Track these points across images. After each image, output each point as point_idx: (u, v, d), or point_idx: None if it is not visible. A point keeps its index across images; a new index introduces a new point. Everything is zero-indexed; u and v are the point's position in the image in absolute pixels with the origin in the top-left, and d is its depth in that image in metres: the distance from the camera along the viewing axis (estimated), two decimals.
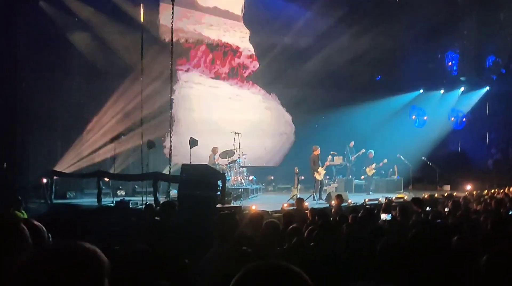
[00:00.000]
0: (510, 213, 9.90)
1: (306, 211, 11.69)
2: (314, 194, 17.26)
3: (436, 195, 18.24)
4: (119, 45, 17.68)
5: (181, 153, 16.75)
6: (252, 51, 23.03)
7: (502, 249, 4.56)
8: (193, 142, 15.39)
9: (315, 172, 17.42)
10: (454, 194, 18.73)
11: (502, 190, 18.35)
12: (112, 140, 15.54)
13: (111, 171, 15.65)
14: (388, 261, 4.24)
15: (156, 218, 7.78)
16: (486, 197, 15.29)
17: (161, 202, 10.45)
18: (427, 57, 26.20)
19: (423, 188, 22.45)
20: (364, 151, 20.71)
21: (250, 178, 19.16)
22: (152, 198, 12.88)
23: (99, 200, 13.61)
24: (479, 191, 19.16)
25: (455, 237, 5.05)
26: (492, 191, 19.05)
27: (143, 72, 15.68)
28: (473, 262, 4.70)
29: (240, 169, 18.44)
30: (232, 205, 13.64)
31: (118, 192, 16.70)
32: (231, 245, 4.54)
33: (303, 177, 19.03)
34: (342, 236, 6.13)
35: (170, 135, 14.46)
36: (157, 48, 17.97)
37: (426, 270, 4.42)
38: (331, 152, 19.70)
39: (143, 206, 11.22)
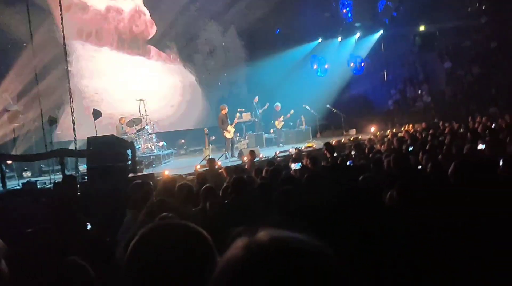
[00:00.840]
0: (410, 149, 10.41)
1: (220, 170, 11.80)
2: (226, 152, 17.39)
3: (343, 140, 18.90)
4: (5, 19, 16.65)
5: (85, 126, 16.22)
6: (148, 15, 22.40)
7: (404, 183, 4.81)
8: (96, 114, 14.91)
9: (224, 131, 17.49)
10: (360, 137, 19.49)
11: (402, 129, 19.30)
12: (10, 120, 14.73)
13: (13, 153, 14.90)
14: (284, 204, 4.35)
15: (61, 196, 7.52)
16: (389, 137, 16.01)
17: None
18: (323, 7, 26.61)
19: (331, 134, 23.15)
20: (268, 105, 20.96)
21: (161, 144, 18.93)
22: (61, 176, 12.42)
23: (3, 184, 12.92)
24: (382, 132, 20.05)
25: (361, 176, 5.26)
26: (394, 130, 20.00)
27: (33, 44, 14.79)
28: (378, 197, 4.94)
29: (149, 136, 18.16)
30: (144, 173, 13.46)
31: (23, 173, 15.97)
32: (146, 213, 4.49)
33: (213, 137, 19.06)
34: (255, 189, 6.22)
35: (71, 108, 13.87)
36: (44, 18, 17.11)
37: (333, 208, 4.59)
38: (239, 109, 19.83)
39: (52, 185, 10.81)
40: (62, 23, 13.80)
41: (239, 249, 0.84)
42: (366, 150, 11.20)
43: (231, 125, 17.75)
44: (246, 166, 11.79)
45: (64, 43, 14.02)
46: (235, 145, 18.51)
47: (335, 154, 10.75)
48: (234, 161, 15.74)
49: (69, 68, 15.37)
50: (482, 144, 9.11)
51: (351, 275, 0.83)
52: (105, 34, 21.18)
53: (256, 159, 13.14)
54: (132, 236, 1.40)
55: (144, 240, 1.33)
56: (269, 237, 0.85)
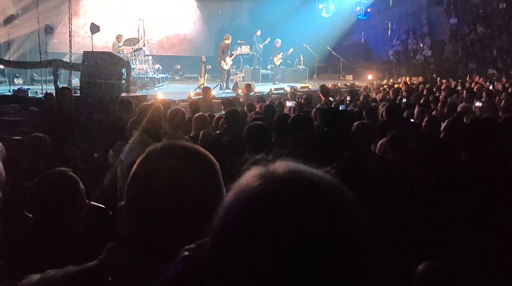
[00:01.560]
0: (404, 101, 10.40)
1: (214, 100, 11.76)
2: (221, 83, 17.24)
3: (339, 84, 18.82)
4: None
5: (82, 40, 15.97)
6: None
7: (397, 133, 4.83)
8: (94, 28, 14.62)
9: (222, 61, 17.27)
10: (356, 83, 19.42)
11: (400, 80, 19.23)
12: (5, 22, 14.39)
13: (6, 58, 14.69)
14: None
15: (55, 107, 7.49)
16: (385, 86, 15.96)
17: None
18: None
19: (328, 77, 23.05)
20: (269, 39, 20.65)
21: (156, 66, 18.74)
22: (53, 87, 12.32)
23: None
24: (379, 81, 19.97)
25: (355, 123, 5.26)
26: (391, 81, 19.92)
27: None
28: (369, 145, 4.97)
29: (146, 58, 17.95)
30: (137, 94, 13.38)
31: (15, 80, 15.82)
32: (153, 135, 4.48)
33: (210, 67, 18.86)
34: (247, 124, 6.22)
35: (69, 19, 13.56)
36: None
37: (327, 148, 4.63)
38: (238, 41, 19.51)
39: (43, 95, 10.73)
40: None
41: (255, 178, 0.82)
42: (361, 97, 11.18)
43: (230, 57, 17.53)
44: (241, 99, 11.74)
45: None
46: (231, 77, 18.38)
47: (330, 98, 10.71)
48: (228, 93, 15.65)
49: None
50: (479, 102, 9.15)
51: (367, 215, 0.83)
52: None
53: (250, 94, 13.07)
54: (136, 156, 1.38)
55: (150, 159, 1.30)
56: (287, 168, 0.82)
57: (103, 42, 17.77)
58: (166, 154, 1.29)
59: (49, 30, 13.98)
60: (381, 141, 5.37)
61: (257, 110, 8.13)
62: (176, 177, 1.24)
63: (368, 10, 26.77)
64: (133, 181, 1.28)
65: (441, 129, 5.53)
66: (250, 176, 0.82)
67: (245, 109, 8.78)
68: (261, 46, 20.65)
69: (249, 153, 3.98)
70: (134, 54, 17.38)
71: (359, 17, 26.75)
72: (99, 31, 14.83)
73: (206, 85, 14.57)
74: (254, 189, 0.79)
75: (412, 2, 26.93)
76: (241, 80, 18.69)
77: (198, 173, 1.27)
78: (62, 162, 3.30)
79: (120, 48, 17.21)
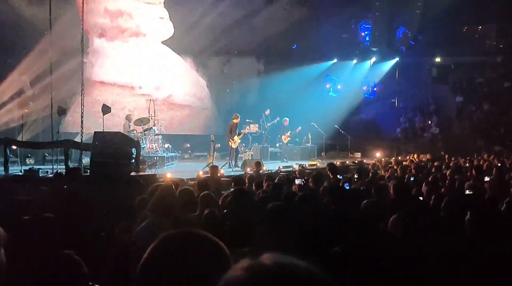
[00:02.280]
0: (412, 179, 10.38)
1: (223, 179, 11.79)
2: (230, 161, 17.37)
3: (347, 162, 18.89)
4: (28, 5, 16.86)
5: (93, 120, 16.28)
6: (167, 15, 22.51)
7: (409, 211, 4.80)
8: (106, 109, 14.96)
9: (230, 140, 17.48)
10: (364, 161, 19.47)
11: (408, 157, 19.26)
12: (20, 106, 14.77)
13: (19, 138, 14.95)
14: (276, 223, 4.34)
15: (65, 186, 7.54)
16: (393, 164, 15.97)
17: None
18: (342, 28, 26.72)
19: (336, 155, 23.15)
20: (278, 119, 20.96)
21: (166, 145, 18.98)
22: (64, 167, 12.46)
23: (6, 169, 12.95)
24: (387, 158, 20.01)
25: (363, 202, 5.24)
26: (399, 158, 19.96)
27: (51, 30, 14.80)
28: (378, 224, 4.93)
29: (156, 137, 18.19)
30: (147, 173, 13.47)
31: (27, 160, 16.02)
32: (169, 218, 4.47)
33: (219, 145, 19.08)
34: (255, 203, 6.22)
35: (82, 101, 13.92)
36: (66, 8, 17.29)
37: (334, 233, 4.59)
38: (247, 120, 19.81)
39: (53, 175, 10.83)
40: (82, 13, 13.90)
41: (241, 270, 0.82)
42: (370, 175, 11.18)
43: (238, 136, 17.73)
44: (251, 177, 11.77)
45: (82, 35, 14.11)
46: (239, 155, 18.52)
47: (338, 176, 10.72)
48: (237, 171, 15.71)
49: (84, 60, 15.42)
50: (488, 177, 9.13)
51: None
52: (123, 30, 21.32)
53: (260, 172, 13.11)
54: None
55: (161, 247, 1.31)
56: (273, 261, 0.82)
57: (114, 122, 18.13)
58: (178, 243, 1.30)
59: (61, 111, 14.30)
60: (391, 218, 5.34)
61: (264, 188, 8.14)
62: (187, 267, 1.24)
63: (375, 89, 27.32)
64: (146, 267, 1.29)
65: (441, 207, 5.51)
66: (238, 268, 0.82)
67: (253, 187, 8.81)
68: (268, 125, 20.93)
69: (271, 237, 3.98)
70: (144, 134, 17.64)
71: (365, 96, 27.27)
72: (110, 111, 15.17)
73: (214, 163, 14.69)
74: (239, 281, 0.79)
75: (418, 81, 27.50)
76: (250, 158, 18.82)
77: (210, 264, 1.27)
78: (70, 244, 3.30)
79: (130, 128, 17.50)
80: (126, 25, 21.40)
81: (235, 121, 17.67)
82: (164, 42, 22.52)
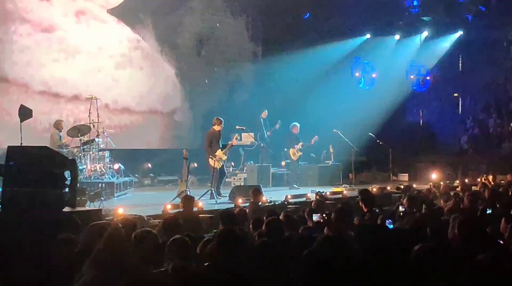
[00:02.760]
0: (489, 212, 10.33)
1: (202, 215, 11.73)
2: (212, 189, 17.19)
3: (388, 188, 18.86)
4: None
5: (7, 130, 16.24)
6: None
7: (480, 263, 4.77)
8: (25, 113, 14.90)
9: (210, 157, 17.30)
10: (414, 186, 19.44)
11: (479, 180, 19.22)
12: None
13: None
14: None
15: None
16: (458, 190, 15.93)
17: None
18: None
19: (371, 178, 23.17)
20: (280, 123, 20.95)
21: (116, 166, 18.91)
22: None
23: None
24: (448, 182, 19.97)
25: (415, 248, 5.21)
26: (466, 180, 19.92)
27: None
28: (437, 283, 4.90)
29: (101, 154, 18.13)
30: (87, 208, 13.40)
31: None
32: (116, 272, 4.45)
33: (195, 164, 19.02)
34: (252, 251, 6.18)
35: None
36: None
37: None
38: (237, 127, 19.74)
39: None
40: None
41: None
42: (423, 207, 11.15)
43: (222, 150, 17.59)
44: (247, 211, 11.74)
45: None
46: (227, 179, 18.45)
47: (375, 209, 10.70)
48: (223, 204, 15.67)
49: None
50: None
51: None
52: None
53: (259, 204, 13.06)
54: None
55: None
56: None
57: (36, 133, 18.09)
58: None
59: None
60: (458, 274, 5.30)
61: (263, 229, 8.10)
62: None
63: (428, 78, 27.33)
64: None
65: None
66: None
67: (251, 228, 8.77)
68: (268, 133, 20.90)
69: None
70: (84, 149, 17.56)
71: (414, 88, 27.27)
72: (31, 116, 15.12)
73: (189, 192, 14.61)
74: None
75: (492, 65, 27.40)
76: (243, 183, 18.76)
77: None
78: None
79: (61, 140, 17.43)
80: None
81: (216, 128, 17.55)
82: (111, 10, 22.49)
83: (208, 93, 23.76)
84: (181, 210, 11.55)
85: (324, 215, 9.43)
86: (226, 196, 17.01)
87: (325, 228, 8.28)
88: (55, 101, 20.35)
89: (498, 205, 11.35)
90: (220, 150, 17.52)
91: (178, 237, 6.41)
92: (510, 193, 13.95)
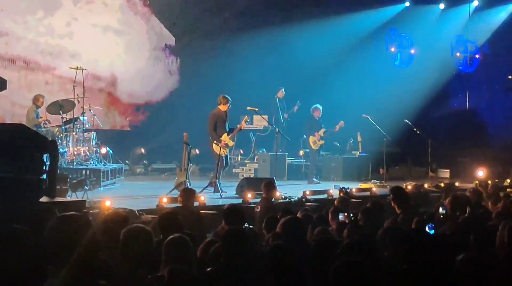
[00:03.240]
0: None
1: (203, 211, 11.77)
2: (216, 180, 17.22)
3: (426, 185, 18.86)
4: None
5: None
6: None
7: None
8: None
9: (214, 143, 17.28)
10: (457, 184, 19.44)
11: None
12: None
13: None
14: None
15: None
16: (509, 190, 15.93)
17: None
18: None
19: (406, 173, 23.17)
20: (299, 105, 20.96)
21: (103, 150, 18.93)
22: None
23: None
24: (497, 181, 19.95)
25: (457, 258, 5.22)
26: None
27: None
28: None
29: (86, 135, 18.16)
30: (69, 198, 13.47)
31: None
32: (81, 275, 4.46)
33: (197, 151, 19.06)
34: (264, 255, 6.20)
35: None
36: None
37: None
38: (248, 107, 19.75)
39: None
40: None
41: None
42: (467, 209, 11.15)
43: (228, 134, 17.56)
44: (257, 209, 11.78)
45: None
46: (234, 170, 18.47)
47: (410, 211, 10.70)
48: (230, 198, 15.70)
49: None
50: None
51: None
52: None
53: (272, 200, 13.07)
54: None
55: None
56: None
57: (12, 107, 18.16)
58: None
59: None
60: None
61: (277, 229, 8.11)
62: None
63: (477, 56, 27.27)
64: None
65: None
66: None
67: (262, 228, 8.79)
68: (286, 116, 20.91)
69: None
70: (65, 128, 17.59)
71: (460, 68, 27.21)
72: (5, 88, 15.17)
73: (189, 184, 14.65)
74: None
75: None
76: (253, 174, 18.81)
77: None
78: None
79: (39, 117, 17.47)
80: None
81: (222, 108, 17.48)
82: None
83: (211, 64, 23.68)
84: (180, 204, 11.59)
85: (350, 215, 9.43)
86: (224, 192, 16.98)
87: (348, 232, 8.30)
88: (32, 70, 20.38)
89: None
90: (226, 134, 17.49)
91: (176, 236, 6.41)
92: None
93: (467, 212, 10.83)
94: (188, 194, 11.53)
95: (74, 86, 18.06)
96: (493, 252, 6.95)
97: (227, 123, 17.56)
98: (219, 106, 17.53)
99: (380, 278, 5.43)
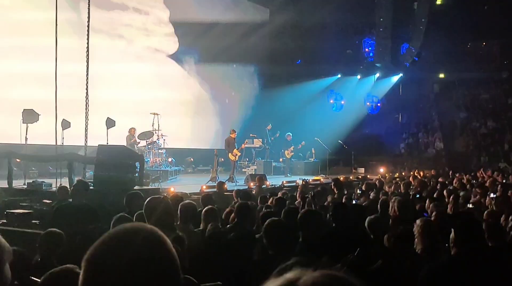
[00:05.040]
0: (418, 195, 10.34)
1: (226, 193, 11.79)
2: (233, 176, 17.31)
3: (351, 177, 18.87)
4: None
5: (97, 134, 16.26)
6: (172, 30, 22.62)
7: (404, 230, 4.78)
8: (110, 123, 14.98)
9: (229, 154, 17.63)
10: (368, 176, 19.44)
11: (411, 173, 19.22)
12: (25, 119, 14.70)
13: (23, 152, 14.94)
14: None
15: (69, 200, 7.54)
16: (397, 179, 15.95)
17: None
18: (346, 44, 26.87)
19: (339, 170, 23.11)
20: (279, 133, 21.00)
21: (169, 159, 18.95)
22: (67, 180, 12.43)
23: (10, 182, 12.96)
24: (391, 174, 19.97)
25: (369, 217, 5.24)
26: (403, 173, 19.93)
27: (57, 46, 14.74)
28: (381, 240, 4.92)
29: (159, 151, 18.17)
30: (150, 187, 13.46)
31: (30, 173, 16.00)
32: (165, 226, 4.51)
33: (222, 159, 19.07)
34: (260, 217, 6.22)
35: (86, 115, 13.93)
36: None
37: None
38: (251, 134, 19.82)
39: (57, 188, 10.82)
40: (88, 27, 13.95)
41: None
42: (374, 191, 11.15)
43: (237, 149, 17.82)
44: (254, 192, 11.78)
45: (88, 48, 14.09)
46: (242, 170, 18.53)
47: (343, 191, 10.71)
48: (241, 186, 15.69)
49: (88, 74, 15.24)
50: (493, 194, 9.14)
51: None
52: (127, 43, 21.41)
53: (263, 186, 13.11)
54: None
55: (100, 246, 1.32)
56: (313, 283, 0.81)
57: (118, 136, 18.14)
58: (115, 240, 1.33)
59: (66, 124, 14.31)
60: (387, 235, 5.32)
61: (269, 203, 8.14)
62: (123, 261, 1.27)
63: (378, 104, 27.37)
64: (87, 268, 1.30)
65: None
66: None
67: (258, 202, 8.82)
68: (271, 139, 20.99)
69: (272, 251, 3.99)
70: (148, 147, 17.64)
71: (369, 111, 27.29)
72: (114, 125, 15.18)
73: (218, 177, 14.71)
74: None
75: (421, 97, 27.54)
76: (253, 172, 18.82)
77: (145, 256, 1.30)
78: (74, 258, 3.30)
79: (133, 141, 17.52)
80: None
81: (232, 136, 17.86)
82: (170, 56, 22.57)
83: (231, 112, 23.72)
84: (214, 190, 11.61)
85: (307, 195, 9.45)
86: (237, 182, 17.01)
87: (307, 204, 8.33)
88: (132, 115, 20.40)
89: (424, 191, 11.37)
90: (236, 149, 17.69)
91: (209, 207, 6.44)
92: (431, 183, 13.95)
93: (373, 192, 10.86)
94: (220, 184, 11.56)
95: (153, 124, 18.11)
96: (388, 215, 6.98)
97: (235, 143, 17.76)
98: (230, 135, 17.81)
99: (323, 232, 5.46)
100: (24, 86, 17.21)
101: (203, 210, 6.36)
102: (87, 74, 14.29)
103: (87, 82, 14.28)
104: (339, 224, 5.61)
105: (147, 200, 4.90)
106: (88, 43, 13.99)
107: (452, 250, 3.59)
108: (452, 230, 3.69)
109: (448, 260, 3.58)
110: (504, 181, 14.87)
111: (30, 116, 14.35)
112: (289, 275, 0.84)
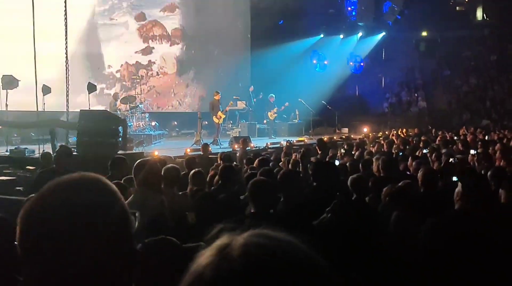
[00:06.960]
0: (401, 154, 10.40)
1: (210, 156, 11.78)
2: (218, 138, 17.25)
3: (335, 137, 18.92)
4: None
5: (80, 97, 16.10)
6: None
7: (393, 188, 4.83)
8: (91, 87, 14.81)
9: (213, 117, 17.40)
10: (352, 136, 19.53)
11: (395, 132, 19.34)
12: (4, 86, 14.45)
13: (4, 118, 14.75)
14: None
15: (53, 166, 7.49)
16: (380, 139, 16.03)
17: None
18: (328, 3, 26.59)
19: (323, 131, 23.18)
20: (262, 95, 20.91)
21: (153, 123, 18.83)
22: (50, 146, 12.34)
23: None
24: (374, 133, 20.08)
25: (352, 176, 5.27)
26: (386, 133, 20.04)
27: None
28: (363, 199, 4.97)
29: (142, 115, 18.05)
30: (134, 151, 13.40)
31: (12, 140, 15.84)
32: (152, 186, 4.54)
33: (206, 122, 18.99)
34: (245, 178, 6.23)
35: (67, 78, 13.71)
36: None
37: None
38: (234, 97, 19.69)
39: (40, 155, 10.75)
40: None
41: (209, 258, 0.82)
42: (357, 150, 11.20)
43: (221, 111, 17.59)
44: (237, 154, 11.78)
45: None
46: (227, 132, 18.47)
47: (328, 151, 10.75)
48: (225, 148, 15.68)
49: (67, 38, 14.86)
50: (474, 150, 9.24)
51: None
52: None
53: (247, 149, 13.09)
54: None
55: (40, 197, 1.26)
56: (243, 251, 0.81)
57: (99, 100, 17.99)
58: (54, 191, 1.26)
59: (46, 90, 14.10)
60: (371, 195, 5.38)
61: (254, 165, 8.15)
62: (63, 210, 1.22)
63: (362, 64, 27.30)
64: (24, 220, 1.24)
65: (419, 183, 5.53)
66: (205, 255, 0.81)
67: (244, 163, 8.83)
68: (254, 101, 20.91)
69: (254, 210, 4.00)
70: (131, 112, 17.49)
71: (352, 71, 27.24)
72: (95, 90, 15.04)
73: (202, 141, 14.67)
74: (207, 276, 0.78)
75: (404, 55, 27.50)
76: (238, 135, 18.79)
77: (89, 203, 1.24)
78: None
79: (117, 107, 17.36)
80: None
81: (215, 98, 17.52)
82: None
83: (214, 74, 23.52)
84: (199, 153, 11.61)
85: (293, 156, 9.49)
86: (221, 145, 16.99)
87: (291, 164, 8.37)
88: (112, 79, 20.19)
89: (407, 149, 11.44)
90: (220, 112, 17.50)
91: (196, 170, 6.44)
92: (414, 141, 14.04)
93: (356, 152, 10.91)
94: (204, 147, 11.56)
95: (135, 88, 17.96)
96: (373, 174, 7.03)
97: (220, 106, 17.56)
98: (214, 97, 17.57)
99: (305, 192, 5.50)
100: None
101: (190, 173, 6.35)
102: (66, 39, 14.01)
103: (66, 46, 14.01)
104: (320, 183, 5.60)
105: (137, 161, 4.90)
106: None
107: (456, 204, 3.58)
108: (459, 183, 3.67)
109: (454, 214, 3.57)
110: (486, 138, 15.04)
111: (9, 82, 14.08)
112: (219, 242, 0.83)
